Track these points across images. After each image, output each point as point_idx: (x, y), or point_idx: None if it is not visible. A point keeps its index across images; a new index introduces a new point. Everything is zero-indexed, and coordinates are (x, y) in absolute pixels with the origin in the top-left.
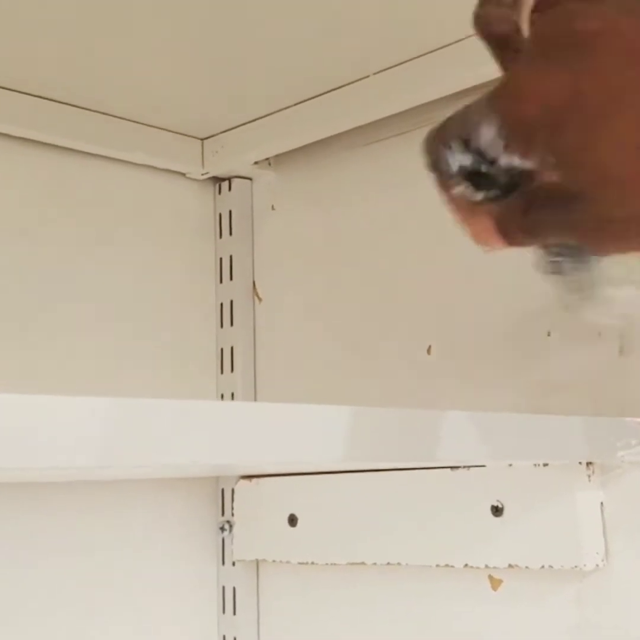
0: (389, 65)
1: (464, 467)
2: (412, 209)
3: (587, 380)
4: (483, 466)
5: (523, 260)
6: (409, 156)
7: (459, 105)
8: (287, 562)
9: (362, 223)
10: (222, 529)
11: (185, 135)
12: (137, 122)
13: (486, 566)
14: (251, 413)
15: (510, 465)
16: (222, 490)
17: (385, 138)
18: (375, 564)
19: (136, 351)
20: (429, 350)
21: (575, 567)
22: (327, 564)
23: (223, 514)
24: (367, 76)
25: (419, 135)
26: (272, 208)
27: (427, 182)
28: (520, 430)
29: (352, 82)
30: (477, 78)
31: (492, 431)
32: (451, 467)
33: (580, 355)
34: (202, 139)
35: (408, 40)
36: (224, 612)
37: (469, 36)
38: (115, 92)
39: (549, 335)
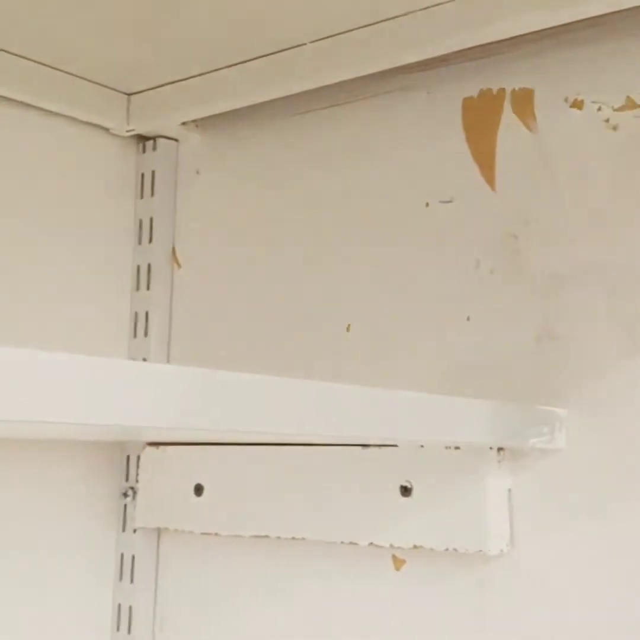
0: (327, 35)
1: (375, 445)
2: (338, 184)
3: (503, 365)
4: (394, 446)
5: (446, 244)
6: (339, 129)
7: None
8: (190, 531)
9: (287, 195)
10: (125, 495)
11: (112, 89)
12: (62, 71)
13: (391, 546)
14: (163, 375)
15: (422, 446)
16: (128, 457)
17: (316, 109)
18: (279, 537)
19: (47, 310)
20: (348, 328)
21: (480, 551)
22: (230, 535)
23: (127, 479)
24: (303, 44)
25: (351, 109)
26: (197, 172)
27: (355, 157)
28: (431, 410)
29: (287, 49)
30: (415, 55)
31: (402, 409)
32: (362, 445)
33: (498, 340)
34: (128, 94)
35: (350, 11)
36: (121, 579)
37: (411, 11)
38: (40, 38)
39: (468, 319)
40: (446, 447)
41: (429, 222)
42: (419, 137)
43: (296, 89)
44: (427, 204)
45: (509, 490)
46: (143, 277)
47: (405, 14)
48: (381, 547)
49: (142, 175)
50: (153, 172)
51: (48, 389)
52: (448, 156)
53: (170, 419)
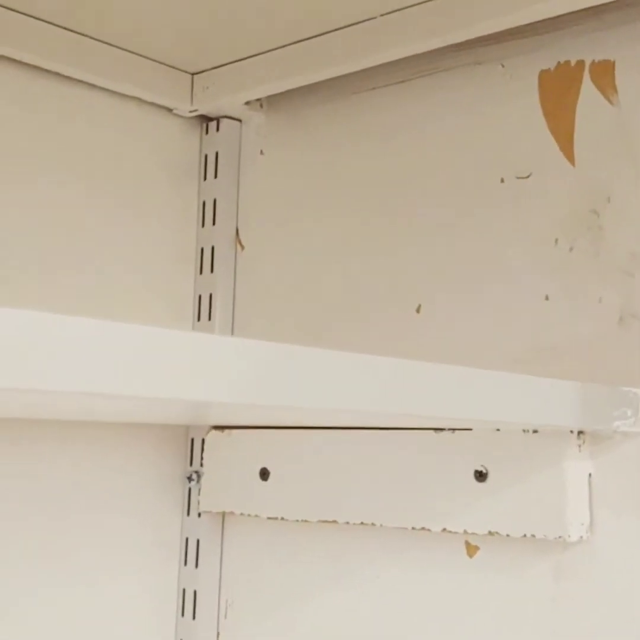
0: (396, 8)
1: (449, 429)
2: (406, 161)
3: (583, 346)
4: (469, 430)
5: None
6: (407, 106)
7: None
8: (256, 516)
9: (352, 173)
10: (190, 479)
11: (175, 68)
12: (126, 50)
13: (465, 532)
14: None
15: (498, 430)
16: (192, 440)
17: (384, 85)
18: (348, 523)
19: (111, 293)
20: (418, 309)
21: (559, 537)
22: (297, 520)
23: (191, 464)
24: (373, 17)
25: (415, 85)
26: (261, 153)
27: (424, 133)
28: (509, 389)
29: (354, 24)
30: (477, 31)
31: (480, 388)
32: (435, 429)
33: (579, 321)
34: (192, 74)
35: None
36: (185, 564)
37: None
38: (104, 17)
39: (546, 299)
40: (524, 431)
41: (505, 198)
42: (494, 111)
43: (364, 64)
44: (502, 180)
45: (590, 475)
46: (206, 260)
47: None
48: (454, 533)
49: (206, 156)
50: (216, 153)
51: (121, 361)
52: (524, 130)
53: (246, 394)
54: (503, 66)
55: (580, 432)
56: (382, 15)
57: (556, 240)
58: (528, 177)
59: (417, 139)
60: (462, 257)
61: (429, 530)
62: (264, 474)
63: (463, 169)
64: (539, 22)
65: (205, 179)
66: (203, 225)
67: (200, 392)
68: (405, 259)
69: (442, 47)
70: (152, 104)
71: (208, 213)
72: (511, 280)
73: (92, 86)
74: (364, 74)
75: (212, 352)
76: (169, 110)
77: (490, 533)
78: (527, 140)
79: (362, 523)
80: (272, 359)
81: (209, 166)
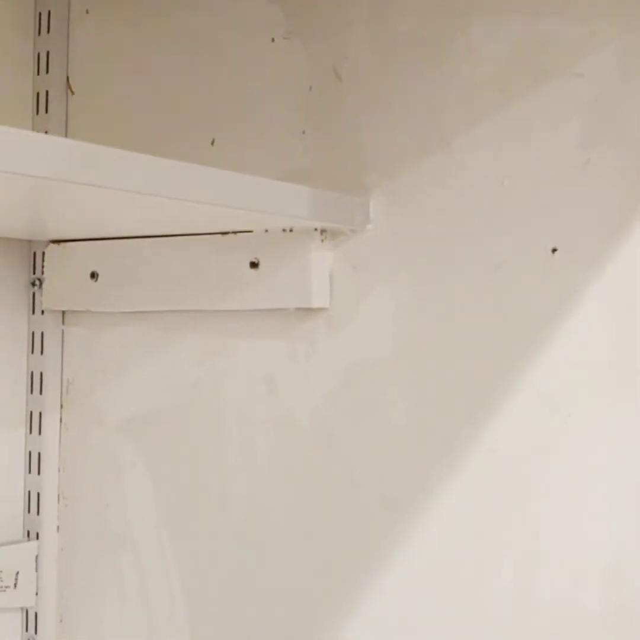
0: None
1: (233, 232)
2: (222, 32)
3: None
4: (248, 232)
5: None
6: None
7: None
8: (87, 311)
9: (173, 36)
10: (33, 284)
11: None
12: None
13: (241, 309)
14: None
15: (266, 231)
16: (34, 253)
17: None
18: (158, 311)
19: None
20: (213, 142)
21: (307, 308)
22: (120, 312)
23: (34, 272)
24: None
25: None
26: (87, 12)
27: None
28: (273, 193)
29: None
30: None
31: (250, 191)
32: (222, 233)
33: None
34: None
35: None
36: (32, 352)
37: None
38: None
39: (303, 133)
40: (283, 230)
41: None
42: None
43: None
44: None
45: (330, 261)
46: (42, 103)
47: None
48: (236, 310)
49: (39, 14)
50: (49, 12)
51: None
52: None
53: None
54: None
55: (323, 231)
56: None
57: (310, 88)
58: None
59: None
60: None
61: (216, 310)
62: (94, 275)
63: None
64: None
65: (39, 34)
66: (38, 73)
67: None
68: (201, 95)
69: None
70: None
71: (42, 63)
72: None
73: None
74: None
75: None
76: None
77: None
78: None
79: (168, 311)
80: (81, 151)
81: (43, 22)
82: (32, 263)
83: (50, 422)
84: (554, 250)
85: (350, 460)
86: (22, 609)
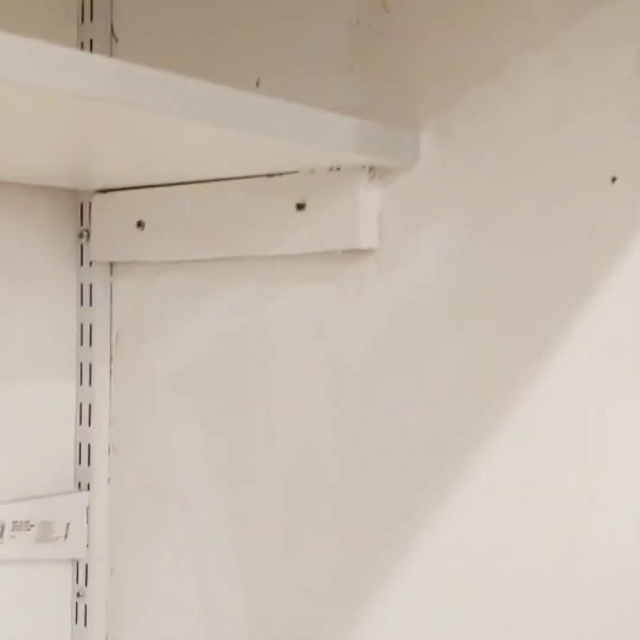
0: None
1: (278, 174)
2: None
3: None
4: (294, 173)
5: None
6: None
7: None
8: (135, 261)
9: None
10: (81, 236)
11: None
12: None
13: (288, 254)
14: None
15: (313, 171)
16: (81, 204)
17: None
18: (204, 260)
19: None
20: (257, 83)
21: (356, 248)
22: (168, 262)
23: (82, 223)
24: None
25: None
26: None
27: None
28: (315, 123)
29: None
30: None
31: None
32: (268, 175)
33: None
34: None
35: None
36: (82, 304)
37: None
38: None
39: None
40: (330, 169)
41: None
42: None
43: None
44: None
45: (378, 200)
46: (86, 51)
47: None
48: (284, 255)
49: None
50: None
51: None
52: None
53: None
54: None
55: (371, 168)
56: None
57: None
58: None
59: None
60: None
61: (262, 256)
62: (140, 224)
63: None
64: None
65: None
66: (82, 22)
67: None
68: (244, 35)
69: None
70: None
71: (86, 12)
72: None
73: None
74: None
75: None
76: None
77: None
78: None
79: (214, 259)
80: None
81: None
82: (79, 214)
83: (101, 374)
84: (614, 179)
85: (401, 404)
86: (72, 560)
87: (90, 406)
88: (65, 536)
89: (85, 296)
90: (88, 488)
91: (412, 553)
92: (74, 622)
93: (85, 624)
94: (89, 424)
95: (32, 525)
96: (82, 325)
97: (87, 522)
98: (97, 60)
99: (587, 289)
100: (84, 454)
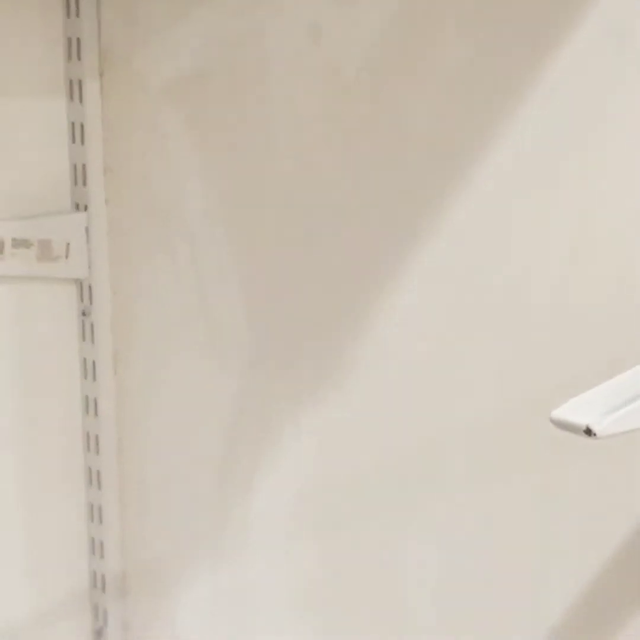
0: None
1: None
2: None
3: None
4: None
5: None
6: None
7: None
8: None
9: None
10: None
11: None
12: None
13: None
14: None
15: None
16: None
17: None
18: None
19: None
20: None
21: None
22: None
23: None
24: None
25: None
26: None
27: None
28: None
29: None
30: None
31: None
32: None
33: None
34: None
35: None
36: (68, 16)
37: None
38: None
39: None
40: None
41: None
42: None
43: None
44: None
45: None
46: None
47: None
48: None
49: None
50: None
51: None
52: None
53: None
54: None
55: None
56: None
57: None
58: None
59: None
60: None
61: None
62: None
63: None
64: None
65: None
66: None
67: None
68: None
69: None
70: None
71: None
72: None
73: None
74: None
75: None
76: None
77: None
78: None
79: None
80: None
81: None
82: None
83: (91, 90)
84: None
85: (403, 109)
86: (75, 280)
87: (82, 125)
88: (66, 256)
89: (71, 7)
90: (85, 209)
91: (414, 257)
92: (82, 339)
93: (92, 341)
94: (82, 143)
95: (31, 244)
96: (69, 39)
97: (87, 242)
98: None
99: None
100: (79, 173)
